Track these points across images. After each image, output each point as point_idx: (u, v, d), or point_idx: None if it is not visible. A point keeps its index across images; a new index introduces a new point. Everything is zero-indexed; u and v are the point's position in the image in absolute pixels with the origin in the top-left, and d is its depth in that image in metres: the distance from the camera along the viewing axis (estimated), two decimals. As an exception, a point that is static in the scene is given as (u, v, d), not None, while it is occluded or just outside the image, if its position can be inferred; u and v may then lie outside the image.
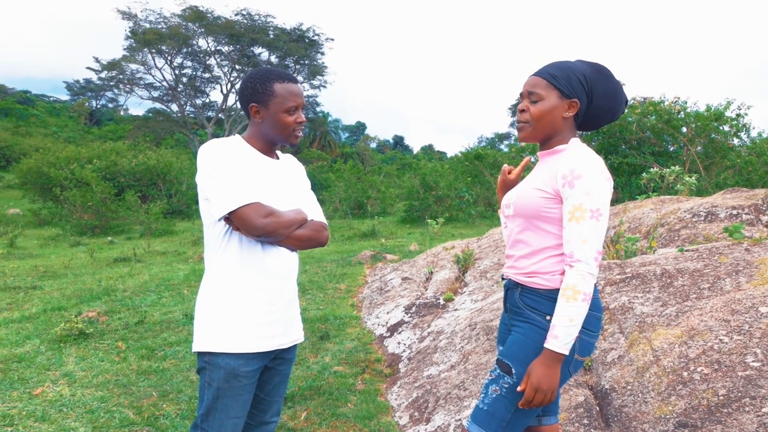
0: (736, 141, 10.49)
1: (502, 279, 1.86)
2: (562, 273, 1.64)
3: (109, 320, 5.31)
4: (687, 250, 3.65)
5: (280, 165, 1.96)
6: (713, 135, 10.35)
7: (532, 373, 1.59)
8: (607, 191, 1.60)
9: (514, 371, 1.64)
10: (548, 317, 1.65)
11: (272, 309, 1.85)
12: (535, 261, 1.69)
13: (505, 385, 1.65)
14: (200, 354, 1.83)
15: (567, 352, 1.57)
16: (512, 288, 1.78)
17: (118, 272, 7.99)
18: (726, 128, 10.28)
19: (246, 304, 1.81)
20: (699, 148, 10.76)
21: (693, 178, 7.65)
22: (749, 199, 4.28)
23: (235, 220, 1.74)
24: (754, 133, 10.78)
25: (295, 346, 2.01)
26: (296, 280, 1.98)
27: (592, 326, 1.68)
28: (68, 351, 4.46)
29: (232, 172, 1.76)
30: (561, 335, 1.55)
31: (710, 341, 2.58)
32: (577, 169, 1.59)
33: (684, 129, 10.66)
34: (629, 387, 2.54)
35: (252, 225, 1.73)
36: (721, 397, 2.22)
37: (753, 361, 2.34)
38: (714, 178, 9.80)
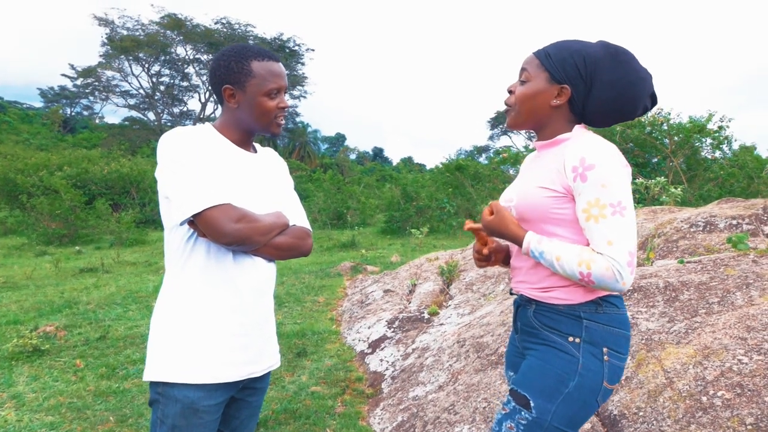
0: (717, 153, 10.48)
1: (511, 294, 1.60)
2: None
3: (68, 335, 4.92)
4: (689, 262, 3.44)
5: (258, 159, 1.67)
6: (696, 145, 10.33)
7: (500, 217, 1.47)
8: (626, 180, 1.35)
9: (532, 404, 1.37)
10: (570, 338, 1.39)
11: (243, 331, 1.55)
12: (550, 272, 1.43)
13: (522, 421, 1.37)
14: (153, 384, 1.52)
15: (522, 251, 1.44)
16: (524, 305, 1.52)
17: (83, 283, 7.55)
18: (708, 140, 10.27)
19: (211, 325, 1.51)
20: (681, 160, 10.73)
21: (678, 189, 7.54)
22: (748, 209, 4.11)
23: (201, 225, 1.44)
24: (735, 145, 10.79)
25: (268, 374, 1.71)
26: (273, 295, 1.69)
27: (621, 347, 1.42)
28: (20, 370, 4.07)
29: (197, 166, 1.46)
30: (539, 249, 1.39)
31: (728, 362, 2.34)
32: (588, 158, 1.33)
33: (666, 140, 10.63)
34: (641, 413, 2.29)
35: (221, 231, 1.43)
36: (750, 426, 1.98)
37: (780, 385, 2.11)
38: (697, 190, 9.74)
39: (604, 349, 1.39)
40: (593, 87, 1.42)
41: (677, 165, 10.06)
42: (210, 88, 1.66)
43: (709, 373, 2.31)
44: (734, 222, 3.95)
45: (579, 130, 1.45)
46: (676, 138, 9.98)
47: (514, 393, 1.42)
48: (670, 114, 10.42)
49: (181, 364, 1.49)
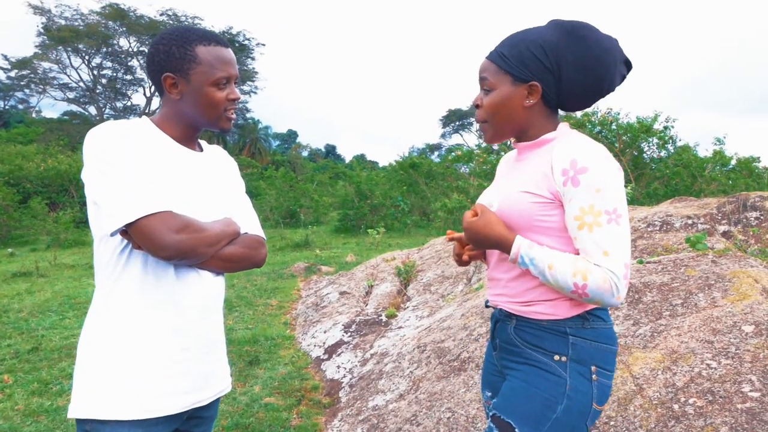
0: (663, 153, 10.80)
1: (487, 306, 1.46)
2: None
3: (-4, 348, 4.52)
4: (648, 262, 3.42)
5: (204, 159, 1.46)
6: (642, 145, 10.60)
7: (485, 219, 1.31)
8: (621, 185, 1.23)
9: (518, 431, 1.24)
10: (556, 357, 1.27)
11: (186, 355, 1.35)
12: (534, 284, 1.30)
13: None
14: (80, 421, 1.30)
15: (510, 257, 1.28)
16: (503, 320, 1.38)
17: (15, 289, 7.04)
18: (654, 140, 10.56)
19: (148, 351, 1.30)
20: (628, 159, 11.00)
21: (628, 188, 7.68)
22: (702, 208, 4.16)
23: (136, 236, 1.24)
24: (678, 144, 11.14)
25: (217, 400, 1.51)
26: (221, 312, 1.49)
27: (609, 364, 1.31)
28: (-63, 389, 3.68)
29: (131, 167, 1.26)
30: (530, 255, 1.25)
31: (696, 367, 2.30)
32: (580, 161, 1.21)
33: (614, 140, 10.86)
34: (612, 423, 2.21)
35: (159, 243, 1.23)
36: (724, 436, 1.92)
37: (750, 391, 2.07)
38: (644, 188, 10.00)
39: (593, 368, 1.28)
40: (561, 72, 1.28)
41: (626, 164, 10.29)
42: (149, 76, 1.44)
43: (679, 378, 2.26)
44: (690, 221, 3.98)
45: (564, 128, 1.33)
46: (624, 138, 10.22)
47: (496, 419, 1.28)
48: (619, 114, 10.67)
49: (113, 398, 1.28)
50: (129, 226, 1.23)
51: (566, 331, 1.28)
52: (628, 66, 1.36)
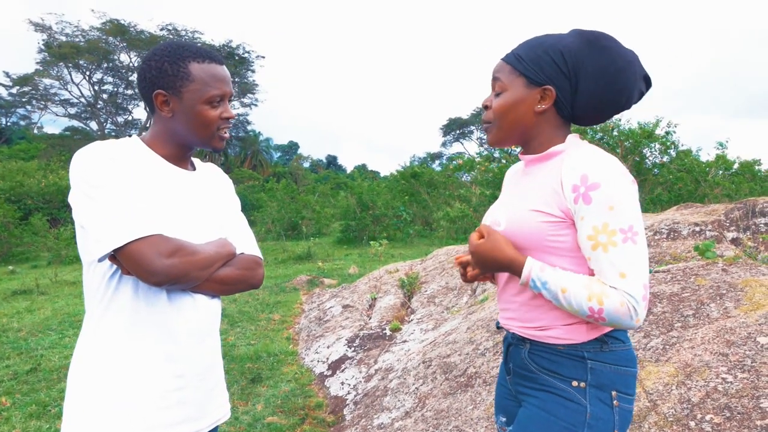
0: (665, 158, 10.74)
1: (498, 328, 1.40)
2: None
3: (-6, 369, 4.45)
4: (657, 271, 3.35)
5: (197, 178, 1.41)
6: (644, 151, 10.55)
7: (492, 241, 1.24)
8: (635, 200, 1.17)
9: None
10: (574, 383, 1.20)
11: (181, 384, 1.29)
12: (548, 308, 1.24)
13: None
14: (69, 454, 1.24)
15: (521, 280, 1.21)
16: (516, 344, 1.32)
17: (14, 307, 6.97)
18: (657, 146, 10.50)
19: (139, 381, 1.24)
20: (630, 164, 10.93)
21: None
22: (709, 215, 4.09)
23: (125, 261, 1.18)
24: (681, 149, 11.07)
25: (215, 428, 1.45)
26: (217, 336, 1.43)
27: (630, 388, 1.24)
28: (-66, 413, 3.61)
29: (118, 189, 1.20)
30: (542, 279, 1.18)
31: (712, 381, 2.22)
32: (591, 176, 1.14)
33: (616, 146, 10.80)
34: (626, 441, 2.13)
35: (150, 268, 1.17)
36: (745, 456, 1.84)
37: (770, 407, 1.99)
38: (648, 194, 9.92)
39: (613, 393, 1.21)
40: (579, 82, 1.23)
41: (628, 170, 10.23)
42: (140, 93, 1.39)
43: (694, 394, 2.18)
44: (697, 229, 3.91)
45: (573, 140, 1.27)
46: (626, 143, 10.17)
47: (510, 449, 1.22)
48: (620, 120, 10.62)
49: (106, 430, 1.22)
50: (117, 251, 1.18)
51: (584, 355, 1.22)
52: (647, 83, 1.30)
